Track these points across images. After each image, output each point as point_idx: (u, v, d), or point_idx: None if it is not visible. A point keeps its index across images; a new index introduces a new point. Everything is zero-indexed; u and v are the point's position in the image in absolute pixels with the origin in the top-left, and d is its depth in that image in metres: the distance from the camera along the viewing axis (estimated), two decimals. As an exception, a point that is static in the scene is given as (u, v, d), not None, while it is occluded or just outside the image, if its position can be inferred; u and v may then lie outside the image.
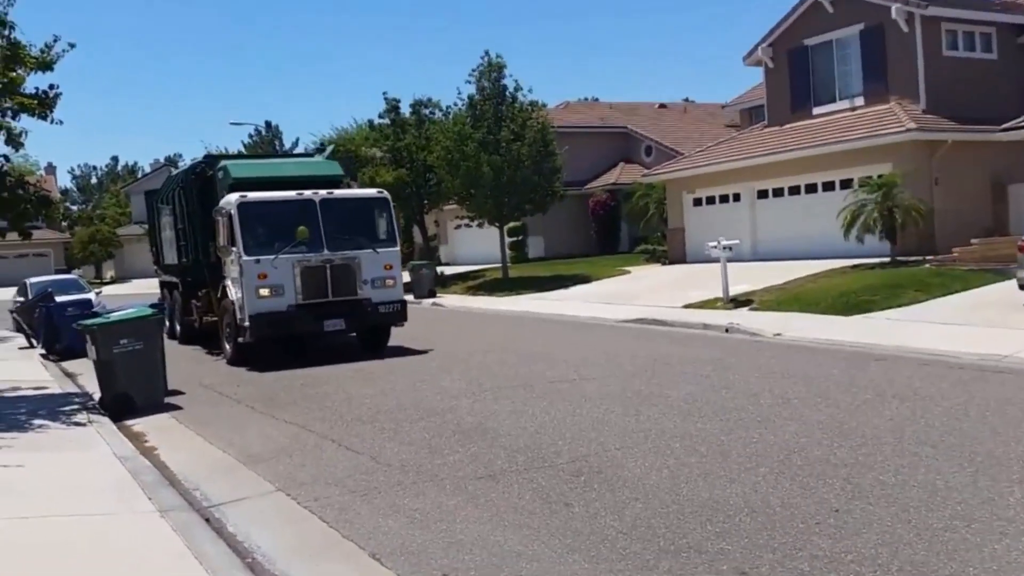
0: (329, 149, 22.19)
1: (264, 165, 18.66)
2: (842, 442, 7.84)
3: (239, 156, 20.01)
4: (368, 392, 12.05)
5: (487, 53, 31.44)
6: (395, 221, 16.44)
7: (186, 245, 18.74)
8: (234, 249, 15.12)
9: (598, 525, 6.12)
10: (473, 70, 31.39)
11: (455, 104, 33.03)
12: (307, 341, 16.17)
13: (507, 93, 31.32)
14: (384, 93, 38.25)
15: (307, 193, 15.58)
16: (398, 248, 16.23)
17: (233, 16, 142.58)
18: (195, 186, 17.85)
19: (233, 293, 15.50)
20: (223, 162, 17.77)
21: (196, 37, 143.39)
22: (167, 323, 20.37)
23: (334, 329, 15.46)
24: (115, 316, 12.81)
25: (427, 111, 37.06)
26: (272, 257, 14.91)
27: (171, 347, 17.69)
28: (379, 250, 15.73)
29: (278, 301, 14.93)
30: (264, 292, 14.86)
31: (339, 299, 15.31)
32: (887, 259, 20.84)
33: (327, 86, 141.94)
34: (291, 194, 15.59)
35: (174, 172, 21.73)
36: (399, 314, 15.99)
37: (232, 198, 15.31)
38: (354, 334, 16.57)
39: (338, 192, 16.23)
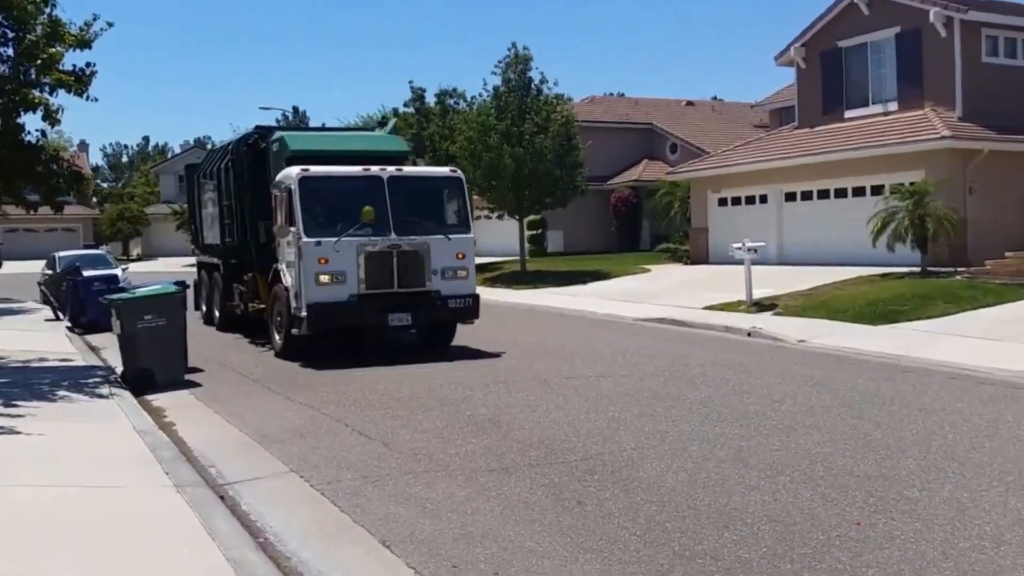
0: (391, 123, 20.84)
1: (325, 138, 16.97)
2: (866, 453, 7.74)
3: (294, 128, 18.16)
4: (381, 379, 12.04)
5: (514, 45, 31.36)
6: (469, 204, 14.90)
7: (231, 224, 17.26)
8: (292, 229, 13.61)
9: (611, 526, 6.08)
10: (499, 61, 31.32)
11: (480, 95, 32.99)
12: (367, 336, 14.73)
13: (532, 86, 31.22)
14: (410, 82, 38.36)
15: (374, 169, 13.99)
16: (472, 235, 14.53)
17: (263, 1, 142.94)
18: (246, 159, 16.33)
19: (287, 278, 13.99)
20: (279, 133, 16.26)
21: (226, 21, 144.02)
22: (203, 308, 19.89)
23: (399, 324, 13.94)
24: (140, 292, 12.93)
25: (452, 101, 37.03)
26: (335, 240, 13.29)
27: (208, 333, 17.72)
28: (451, 236, 14.04)
29: (339, 289, 13.33)
30: (324, 279, 13.27)
31: (405, 290, 13.71)
32: (917, 269, 20.55)
33: (354, 73, 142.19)
34: (357, 169, 14.01)
35: (220, 144, 19.75)
36: (471, 310, 14.31)
37: (293, 171, 13.80)
38: (413, 330, 15.04)
39: (407, 169, 14.91)
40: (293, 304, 13.66)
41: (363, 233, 13.46)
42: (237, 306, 17.29)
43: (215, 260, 18.93)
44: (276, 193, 14.29)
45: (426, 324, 14.46)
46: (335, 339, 14.29)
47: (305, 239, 13.30)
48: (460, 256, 14.12)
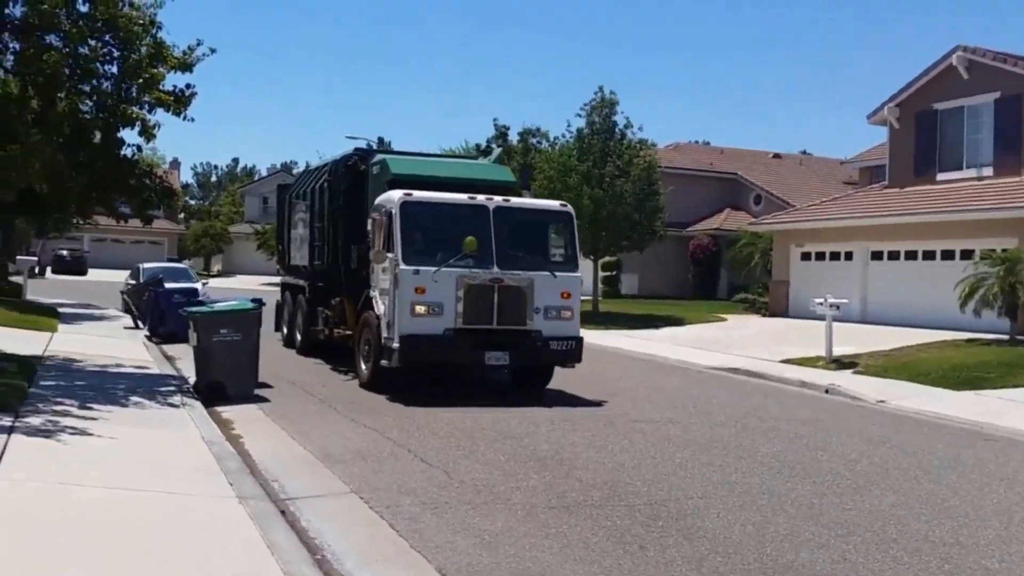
0: (496, 152, 19.76)
1: (428, 163, 16.34)
2: (942, 520, 7.41)
3: (395, 152, 16.93)
4: (447, 408, 11.97)
5: (600, 89, 31.48)
6: (577, 242, 13.94)
7: (322, 246, 16.78)
8: (390, 256, 12.89)
9: (672, 574, 5.89)
10: (585, 104, 31.44)
11: (563, 135, 33.10)
12: (458, 374, 14.25)
13: (617, 129, 31.24)
14: (495, 119, 38.73)
15: (480, 198, 13.26)
16: (579, 274, 13.65)
17: (353, 33, 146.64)
18: (344, 180, 15.79)
19: (380, 306, 13.28)
20: (380, 155, 15.64)
21: (316, 52, 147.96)
22: (284, 330, 19.48)
23: (495, 364, 13.07)
24: (218, 306, 13.21)
25: (534, 140, 37.24)
26: (434, 269, 12.56)
27: (287, 356, 17.56)
28: (557, 274, 13.17)
29: (435, 322, 12.56)
30: (420, 309, 12.52)
31: (504, 327, 12.86)
32: (1005, 336, 19.86)
33: (439, 108, 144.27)
34: (462, 197, 13.31)
35: (316, 164, 19.13)
36: (573, 353, 13.34)
37: (394, 195, 13.16)
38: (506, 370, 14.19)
39: (515, 200, 13.98)
40: (384, 334, 12.93)
41: (464, 264, 12.70)
42: (321, 331, 16.73)
43: (301, 282, 18.52)
44: (375, 217, 13.55)
45: (525, 366, 13.70)
46: (424, 373, 13.73)
47: (403, 266, 12.61)
48: (565, 295, 13.23)
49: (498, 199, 13.42)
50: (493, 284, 12.76)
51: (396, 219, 12.88)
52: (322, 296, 16.82)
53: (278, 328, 19.77)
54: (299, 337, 18.17)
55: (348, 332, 15.07)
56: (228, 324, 12.54)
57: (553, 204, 14.89)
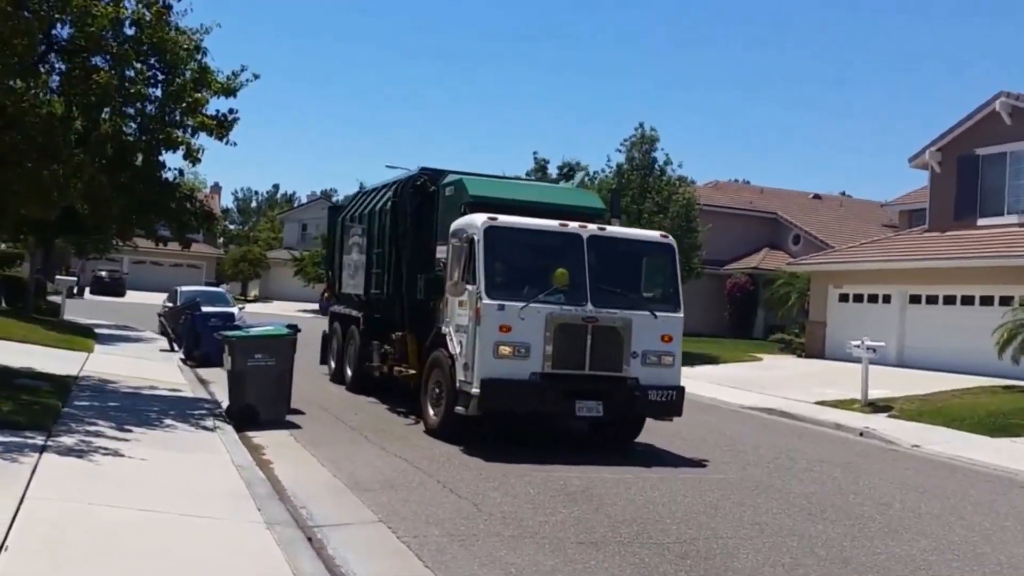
0: (579, 176, 18.25)
1: (508, 184, 15.07)
2: (974, 567, 7.30)
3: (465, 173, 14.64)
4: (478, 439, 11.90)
5: (641, 125, 31.56)
6: (679, 278, 12.47)
7: (381, 273, 15.22)
8: (469, 287, 11.39)
9: (700, 612, 5.82)
10: (625, 140, 31.53)
11: (603, 170, 33.15)
12: (543, 423, 12.96)
13: (656, 166, 31.26)
14: (534, 153, 38.85)
15: (572, 225, 11.81)
16: (682, 315, 12.09)
17: (393, 65, 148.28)
18: (411, 202, 14.27)
19: (454, 345, 11.71)
20: (453, 176, 13.95)
21: (360, 81, 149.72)
22: (332, 363, 18.23)
23: (587, 415, 11.53)
24: (254, 331, 13.31)
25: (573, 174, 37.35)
26: (521, 305, 11.06)
27: (336, 393, 16.20)
28: (658, 314, 11.69)
29: (520, 365, 11.04)
30: (505, 350, 11.01)
31: (597, 373, 11.36)
32: (1043, 384, 19.51)
33: (478, 142, 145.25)
34: (552, 224, 11.84)
35: (374, 185, 17.89)
36: (673, 405, 11.79)
37: (477, 219, 11.65)
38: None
39: (611, 229, 12.41)
40: (460, 376, 11.42)
41: (554, 300, 11.26)
42: (377, 367, 15.12)
43: (353, 312, 16.96)
44: (454, 243, 11.91)
45: (620, 418, 12.15)
46: (506, 424, 12.29)
47: (486, 300, 11.09)
48: (666, 339, 11.72)
49: (592, 227, 12.00)
50: (586, 324, 11.27)
51: (479, 246, 11.41)
52: (379, 328, 15.33)
53: (324, 361, 18.74)
54: (349, 372, 16.80)
55: (412, 371, 13.61)
56: (263, 349, 12.65)
57: (653, 235, 13.10)
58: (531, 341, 11.08)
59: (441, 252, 12.83)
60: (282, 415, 12.64)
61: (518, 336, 11.05)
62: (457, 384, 11.46)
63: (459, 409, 11.32)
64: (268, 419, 12.26)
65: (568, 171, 16.75)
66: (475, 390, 11.02)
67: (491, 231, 11.45)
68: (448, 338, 11.94)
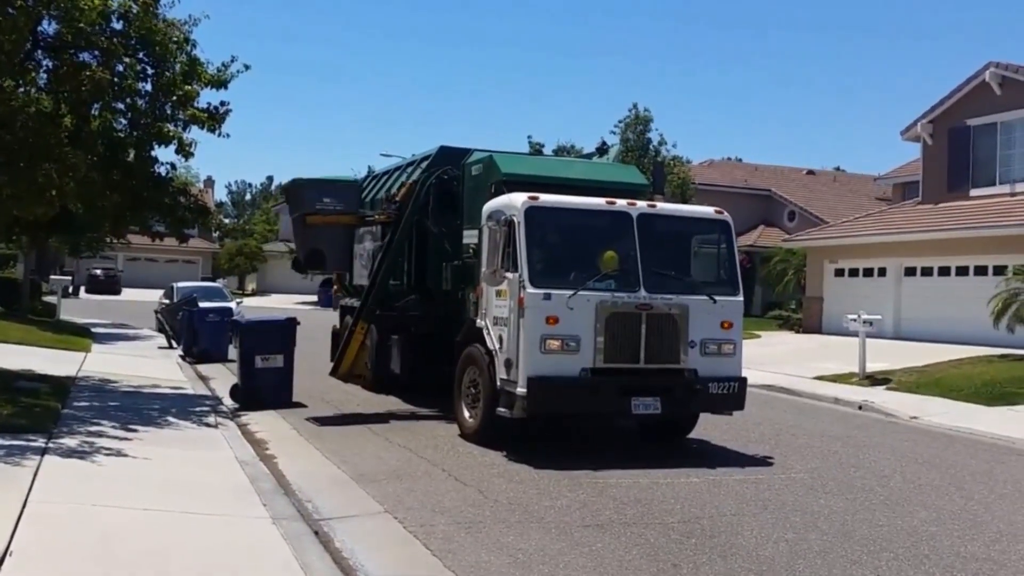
0: (614, 150, 17.20)
1: (543, 161, 13.79)
2: (975, 535, 7.37)
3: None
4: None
5: (635, 106, 31.67)
6: (737, 259, 11.39)
7: (400, 262, 13.96)
8: (509, 276, 10.19)
9: (706, 591, 5.88)
10: (619, 121, 31.66)
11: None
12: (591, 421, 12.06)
13: (651, 146, 31.30)
14: (529, 136, 38.90)
15: (620, 203, 10.66)
16: (741, 298, 11.07)
17: (385, 53, 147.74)
18: (434, 185, 12.98)
19: (493, 340, 10.50)
20: (479, 153, 12.77)
21: (353, 70, 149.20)
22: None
23: (644, 412, 10.33)
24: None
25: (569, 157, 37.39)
26: (568, 293, 9.93)
27: (351, 392, 14.85)
28: (717, 298, 10.56)
29: (570, 360, 9.92)
30: (553, 345, 9.87)
31: (653, 367, 10.27)
32: (1039, 352, 19.61)
33: (471, 124, 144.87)
34: (599, 202, 10.67)
35: (387, 167, 16.58)
36: (735, 398, 10.73)
37: (516, 199, 10.43)
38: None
39: (662, 206, 11.28)
40: (502, 375, 10.27)
41: (603, 286, 10.17)
42: (396, 364, 14.23)
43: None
44: (489, 227, 10.47)
45: (679, 414, 11.08)
46: (553, 425, 11.40)
47: (530, 289, 9.91)
48: (726, 326, 10.64)
49: (642, 204, 10.82)
50: (640, 312, 10.14)
51: (520, 229, 10.19)
52: (398, 323, 14.17)
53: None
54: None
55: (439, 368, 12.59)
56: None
57: (707, 211, 11.82)
58: (580, 333, 9.97)
59: (469, 237, 11.88)
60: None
61: (566, 328, 9.94)
62: (498, 383, 10.34)
63: (502, 411, 10.21)
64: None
65: (603, 147, 15.65)
66: (520, 390, 9.88)
67: (533, 212, 10.29)
68: (485, 332, 10.75)
